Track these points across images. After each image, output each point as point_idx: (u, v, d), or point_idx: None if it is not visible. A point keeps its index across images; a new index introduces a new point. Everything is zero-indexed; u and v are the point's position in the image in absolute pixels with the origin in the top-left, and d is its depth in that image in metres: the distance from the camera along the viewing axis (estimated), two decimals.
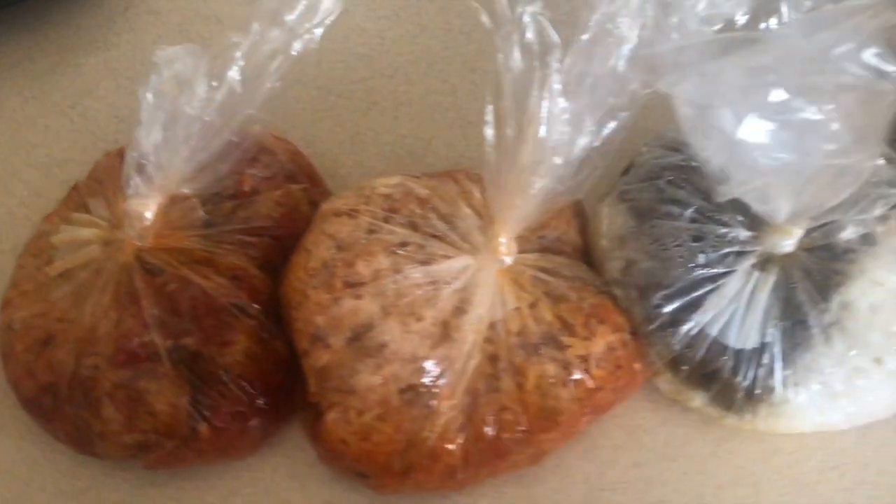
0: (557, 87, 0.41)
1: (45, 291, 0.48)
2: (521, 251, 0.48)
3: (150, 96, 0.43)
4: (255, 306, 0.47)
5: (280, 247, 0.49)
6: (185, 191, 0.47)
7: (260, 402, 0.47)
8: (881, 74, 0.37)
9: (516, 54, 0.41)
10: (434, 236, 0.47)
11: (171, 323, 0.45)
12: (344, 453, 0.45)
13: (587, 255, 0.51)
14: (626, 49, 0.40)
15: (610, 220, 0.49)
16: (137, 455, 0.46)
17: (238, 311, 0.46)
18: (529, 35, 0.40)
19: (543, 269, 0.47)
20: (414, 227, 0.47)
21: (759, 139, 0.39)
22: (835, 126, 0.38)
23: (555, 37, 0.40)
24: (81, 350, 0.45)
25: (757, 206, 0.43)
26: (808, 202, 0.42)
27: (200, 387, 0.45)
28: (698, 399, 0.48)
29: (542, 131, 0.41)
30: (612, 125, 0.42)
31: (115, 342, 0.45)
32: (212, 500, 0.49)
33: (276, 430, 0.50)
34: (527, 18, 0.41)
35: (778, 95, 0.38)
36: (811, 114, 0.39)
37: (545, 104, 0.41)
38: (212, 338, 0.46)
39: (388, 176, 0.49)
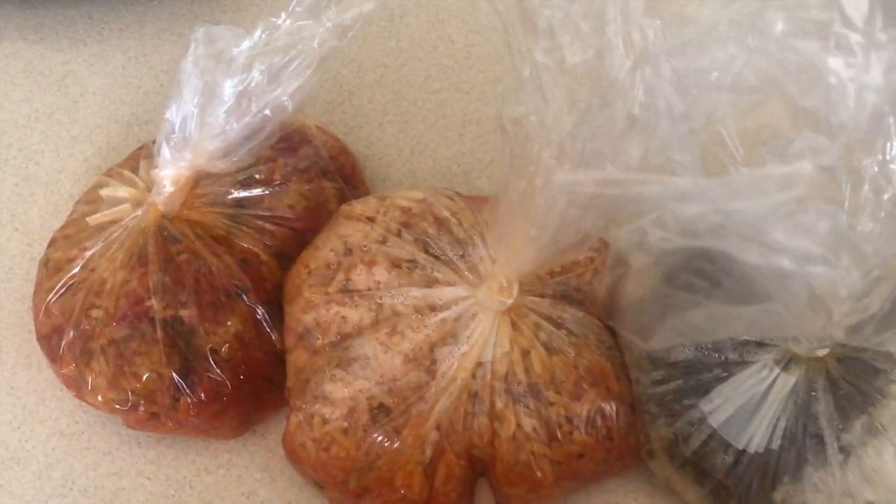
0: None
1: (82, 239, 0.50)
2: (534, 294, 0.45)
3: (188, 68, 0.44)
4: (253, 293, 0.47)
5: (299, 240, 0.49)
6: (217, 168, 0.48)
7: (244, 387, 0.47)
8: None
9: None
10: (440, 259, 0.45)
11: (172, 293, 0.46)
12: (303, 458, 0.44)
13: (610, 309, 0.47)
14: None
15: (636, 278, 0.45)
16: (117, 412, 0.47)
17: (237, 293, 0.47)
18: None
19: (548, 318, 0.44)
20: (423, 246, 0.45)
21: None
22: None
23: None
24: (90, 301, 0.47)
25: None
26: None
27: (189, 361, 0.46)
28: (692, 494, 0.43)
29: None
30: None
31: (117, 300, 0.46)
32: (186, 472, 0.50)
33: (260, 418, 0.50)
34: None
35: None
36: None
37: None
38: (206, 315, 0.46)
39: (414, 189, 0.48)
